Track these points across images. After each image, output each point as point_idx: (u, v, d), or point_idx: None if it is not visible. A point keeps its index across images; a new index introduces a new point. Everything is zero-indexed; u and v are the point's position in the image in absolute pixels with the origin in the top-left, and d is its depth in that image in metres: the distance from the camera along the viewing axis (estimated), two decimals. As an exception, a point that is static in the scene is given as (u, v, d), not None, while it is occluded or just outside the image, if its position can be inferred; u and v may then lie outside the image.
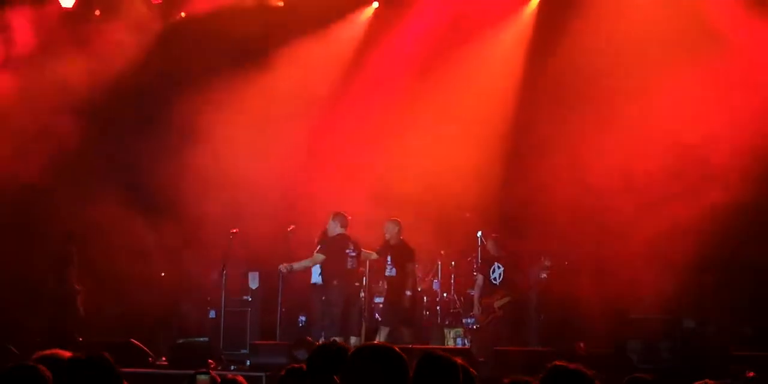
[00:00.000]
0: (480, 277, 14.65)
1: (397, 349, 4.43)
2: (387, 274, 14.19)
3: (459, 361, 4.81)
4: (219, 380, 6.04)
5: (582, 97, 14.92)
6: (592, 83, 14.75)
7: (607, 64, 14.77)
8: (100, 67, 15.83)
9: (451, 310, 15.71)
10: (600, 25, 14.95)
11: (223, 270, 13.78)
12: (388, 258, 14.13)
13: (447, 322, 15.49)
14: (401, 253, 14.11)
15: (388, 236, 14.13)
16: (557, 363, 4.84)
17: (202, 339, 13.00)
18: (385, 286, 14.38)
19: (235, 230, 13.97)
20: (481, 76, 16.62)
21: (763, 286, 14.43)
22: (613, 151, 14.53)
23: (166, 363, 12.82)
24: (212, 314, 15.98)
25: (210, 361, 12.28)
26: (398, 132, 16.37)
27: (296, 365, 5.78)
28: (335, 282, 13.18)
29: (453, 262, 15.88)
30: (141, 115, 17.06)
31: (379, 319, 14.57)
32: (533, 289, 14.52)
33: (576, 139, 14.84)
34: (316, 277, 14.15)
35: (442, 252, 15.87)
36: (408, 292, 13.99)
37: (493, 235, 14.78)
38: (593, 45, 14.94)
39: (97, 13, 16.81)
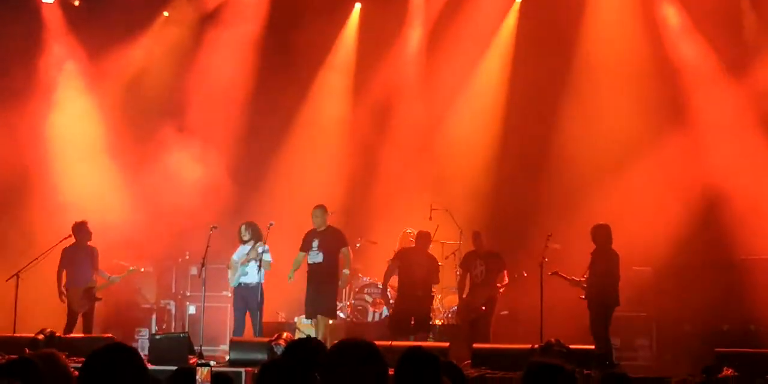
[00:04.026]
0: (462, 273, 14.65)
1: (375, 344, 4.40)
2: (312, 260, 13.78)
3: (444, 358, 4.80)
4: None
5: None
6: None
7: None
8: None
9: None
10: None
11: (202, 265, 13.73)
12: (314, 243, 13.83)
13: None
14: (331, 238, 13.86)
15: (318, 222, 13.90)
16: (536, 359, 4.81)
17: (181, 334, 12.93)
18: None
19: (215, 226, 13.92)
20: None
21: (740, 283, 14.53)
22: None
23: (145, 358, 12.75)
24: (192, 310, 15.97)
25: (190, 356, 12.24)
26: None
27: (274, 361, 5.75)
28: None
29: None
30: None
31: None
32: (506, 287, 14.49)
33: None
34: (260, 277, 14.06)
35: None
36: (345, 271, 13.88)
37: (475, 230, 14.77)
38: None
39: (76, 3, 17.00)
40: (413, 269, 14.28)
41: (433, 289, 14.42)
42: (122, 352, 4.20)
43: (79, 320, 14.13)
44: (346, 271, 13.94)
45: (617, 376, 6.42)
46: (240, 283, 14.04)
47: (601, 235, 13.17)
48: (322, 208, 13.96)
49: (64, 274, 14.15)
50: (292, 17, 17.16)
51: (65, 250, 14.22)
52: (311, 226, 14.00)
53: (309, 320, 13.92)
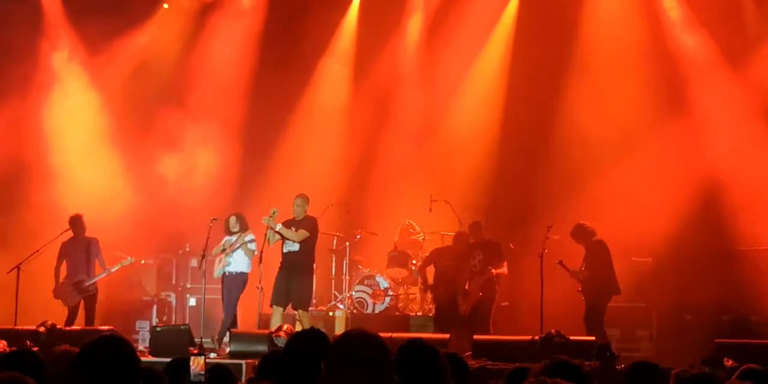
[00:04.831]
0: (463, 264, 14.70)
1: (380, 336, 4.38)
2: (287, 249, 13.42)
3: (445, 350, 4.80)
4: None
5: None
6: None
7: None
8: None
9: (431, 298, 15.73)
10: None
11: (203, 257, 13.72)
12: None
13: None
14: (306, 227, 13.54)
15: (297, 211, 13.55)
16: (562, 357, 4.84)
17: (182, 327, 12.94)
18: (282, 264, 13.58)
19: (215, 218, 13.91)
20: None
21: (740, 274, 14.54)
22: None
23: (146, 351, 12.80)
24: (192, 302, 15.98)
25: (191, 348, 12.25)
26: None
27: (275, 352, 5.76)
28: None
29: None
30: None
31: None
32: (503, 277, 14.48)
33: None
34: (245, 266, 14.00)
35: (422, 238, 15.93)
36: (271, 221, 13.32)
37: (474, 221, 14.77)
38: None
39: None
40: (439, 267, 14.66)
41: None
42: (114, 343, 4.24)
43: (82, 313, 14.15)
44: (280, 226, 13.29)
45: (646, 365, 6.37)
46: (225, 273, 13.95)
47: (581, 234, 13.41)
48: (303, 197, 13.63)
49: (63, 267, 14.19)
50: (294, 6, 17.15)
51: (62, 245, 14.27)
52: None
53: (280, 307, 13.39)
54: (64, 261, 14.24)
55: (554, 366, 4.74)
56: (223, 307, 13.96)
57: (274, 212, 13.24)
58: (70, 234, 14.29)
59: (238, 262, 13.87)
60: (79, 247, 14.24)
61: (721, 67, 15.56)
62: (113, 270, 14.34)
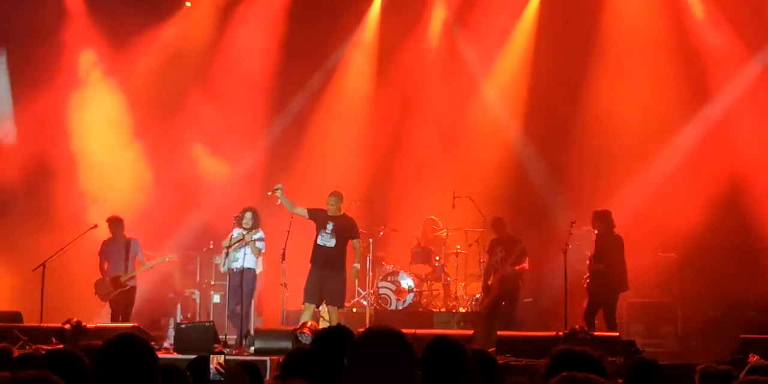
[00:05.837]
0: (488, 261, 14.65)
1: (402, 332, 4.38)
2: (323, 243, 13.42)
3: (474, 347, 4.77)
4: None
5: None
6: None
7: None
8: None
9: (454, 294, 15.75)
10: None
11: (226, 254, 13.75)
12: (329, 226, 13.50)
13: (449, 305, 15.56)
14: (347, 225, 13.60)
15: (332, 209, 13.59)
16: (564, 346, 4.74)
17: (206, 323, 12.99)
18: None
19: (238, 215, 13.93)
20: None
21: (765, 269, 14.47)
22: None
23: (171, 348, 12.85)
24: (216, 299, 16.02)
25: (216, 345, 12.30)
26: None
27: (300, 349, 5.78)
28: None
29: (458, 246, 15.91)
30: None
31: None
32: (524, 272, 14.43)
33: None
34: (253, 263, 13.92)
35: (445, 234, 15.92)
36: (356, 265, 13.68)
37: (495, 217, 14.73)
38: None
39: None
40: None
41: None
42: (133, 341, 4.25)
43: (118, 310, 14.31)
44: (357, 266, 13.72)
45: (647, 362, 6.34)
46: (232, 269, 13.88)
47: (603, 220, 13.26)
48: (338, 195, 13.68)
49: (105, 265, 14.36)
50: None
51: (104, 243, 14.46)
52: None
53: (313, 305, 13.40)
54: (105, 259, 14.41)
55: (559, 358, 4.61)
56: (241, 304, 13.85)
57: (276, 189, 13.33)
58: (98, 232, 14.41)
59: (248, 259, 13.82)
60: (119, 247, 14.38)
61: (747, 64, 15.46)
62: (151, 265, 14.46)
